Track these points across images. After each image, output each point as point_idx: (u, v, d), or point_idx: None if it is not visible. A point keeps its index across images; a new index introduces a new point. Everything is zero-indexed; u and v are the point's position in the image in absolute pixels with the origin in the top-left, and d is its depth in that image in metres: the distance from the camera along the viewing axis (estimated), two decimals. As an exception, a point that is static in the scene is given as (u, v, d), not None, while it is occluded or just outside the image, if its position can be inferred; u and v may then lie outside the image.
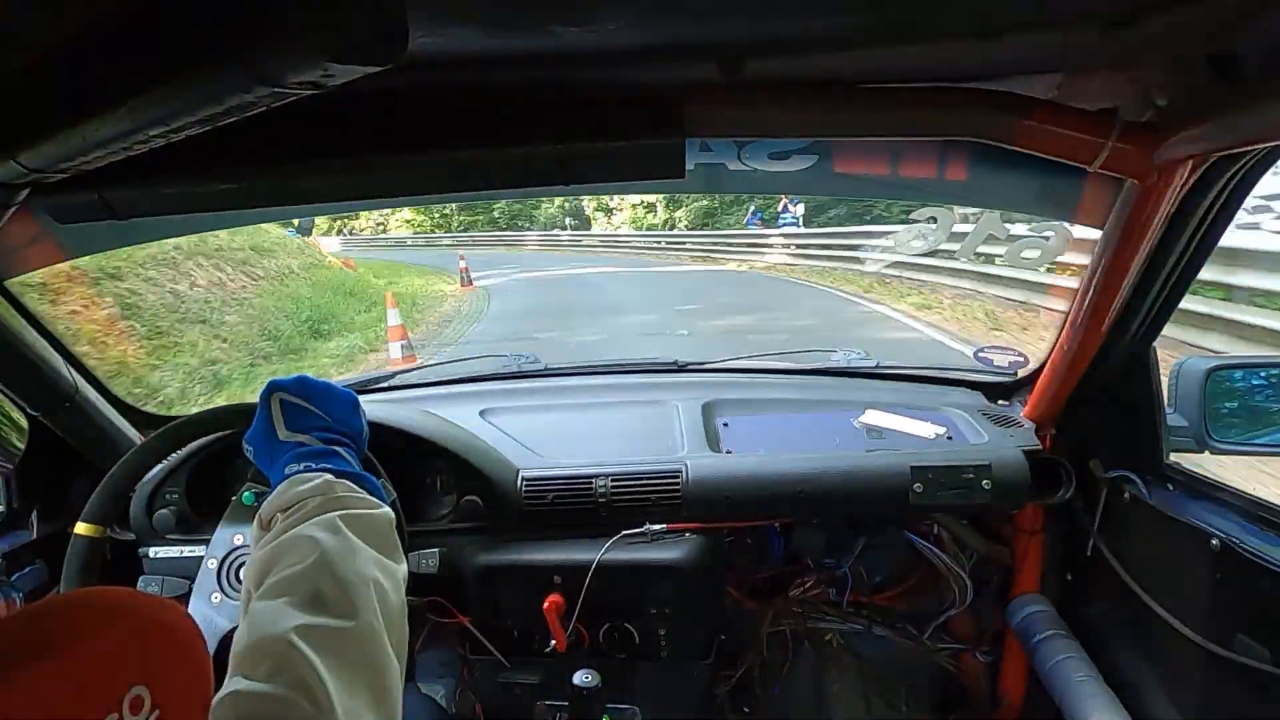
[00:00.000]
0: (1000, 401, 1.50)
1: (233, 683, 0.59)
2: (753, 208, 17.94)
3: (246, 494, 0.98)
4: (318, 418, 0.85)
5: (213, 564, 0.97)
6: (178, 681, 0.51)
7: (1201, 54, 0.72)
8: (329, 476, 0.77)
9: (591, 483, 1.28)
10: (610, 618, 1.26)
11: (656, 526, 1.25)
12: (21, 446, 1.30)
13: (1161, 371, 1.20)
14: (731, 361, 1.74)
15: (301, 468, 0.79)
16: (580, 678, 1.09)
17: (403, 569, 0.73)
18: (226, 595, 0.95)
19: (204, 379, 6.05)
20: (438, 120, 0.86)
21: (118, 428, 1.36)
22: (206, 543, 1.08)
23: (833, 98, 0.88)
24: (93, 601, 0.54)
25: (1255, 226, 6.14)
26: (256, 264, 9.29)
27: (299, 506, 0.73)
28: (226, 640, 0.95)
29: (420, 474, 1.32)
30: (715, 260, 15.06)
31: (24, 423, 1.28)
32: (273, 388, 0.87)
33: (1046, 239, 1.17)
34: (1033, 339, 6.06)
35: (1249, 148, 0.84)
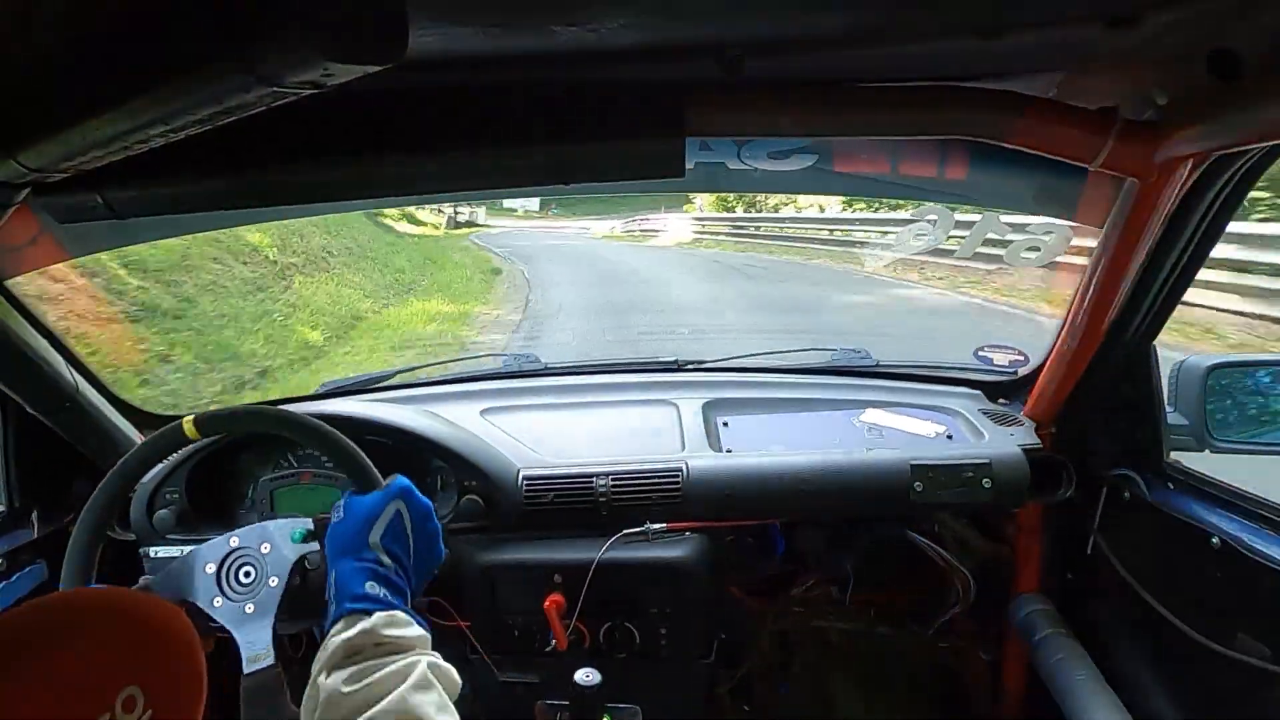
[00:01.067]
0: (1000, 400, 1.50)
1: None
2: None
3: (296, 532, 0.96)
4: (406, 554, 0.82)
5: (210, 569, 0.96)
6: (171, 683, 0.51)
7: (1202, 53, 0.72)
8: (425, 632, 0.76)
9: (592, 482, 1.28)
10: (611, 617, 1.26)
11: (657, 526, 1.25)
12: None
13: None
14: (732, 361, 1.74)
15: (381, 594, 0.76)
16: (581, 676, 1.09)
17: None
18: (227, 598, 0.94)
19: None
20: (439, 119, 0.86)
21: (118, 427, 1.36)
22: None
23: (833, 97, 0.88)
24: (87, 601, 0.54)
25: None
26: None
27: (396, 648, 0.72)
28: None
29: (421, 474, 1.32)
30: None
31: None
32: (402, 494, 0.84)
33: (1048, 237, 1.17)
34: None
35: (1249, 146, 0.84)
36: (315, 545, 0.95)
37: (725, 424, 1.46)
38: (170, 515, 1.27)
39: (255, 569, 0.95)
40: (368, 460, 0.93)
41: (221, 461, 1.35)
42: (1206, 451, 1.20)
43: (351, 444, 0.94)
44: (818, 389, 1.58)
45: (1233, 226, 1.04)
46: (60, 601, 0.57)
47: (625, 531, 1.24)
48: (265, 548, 0.96)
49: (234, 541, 0.96)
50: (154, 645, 0.52)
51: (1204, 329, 5.59)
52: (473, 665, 1.36)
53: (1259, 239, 5.45)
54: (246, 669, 0.90)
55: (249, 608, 0.93)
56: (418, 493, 0.86)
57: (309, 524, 0.96)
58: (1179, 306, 1.11)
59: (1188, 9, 0.68)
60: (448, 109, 0.86)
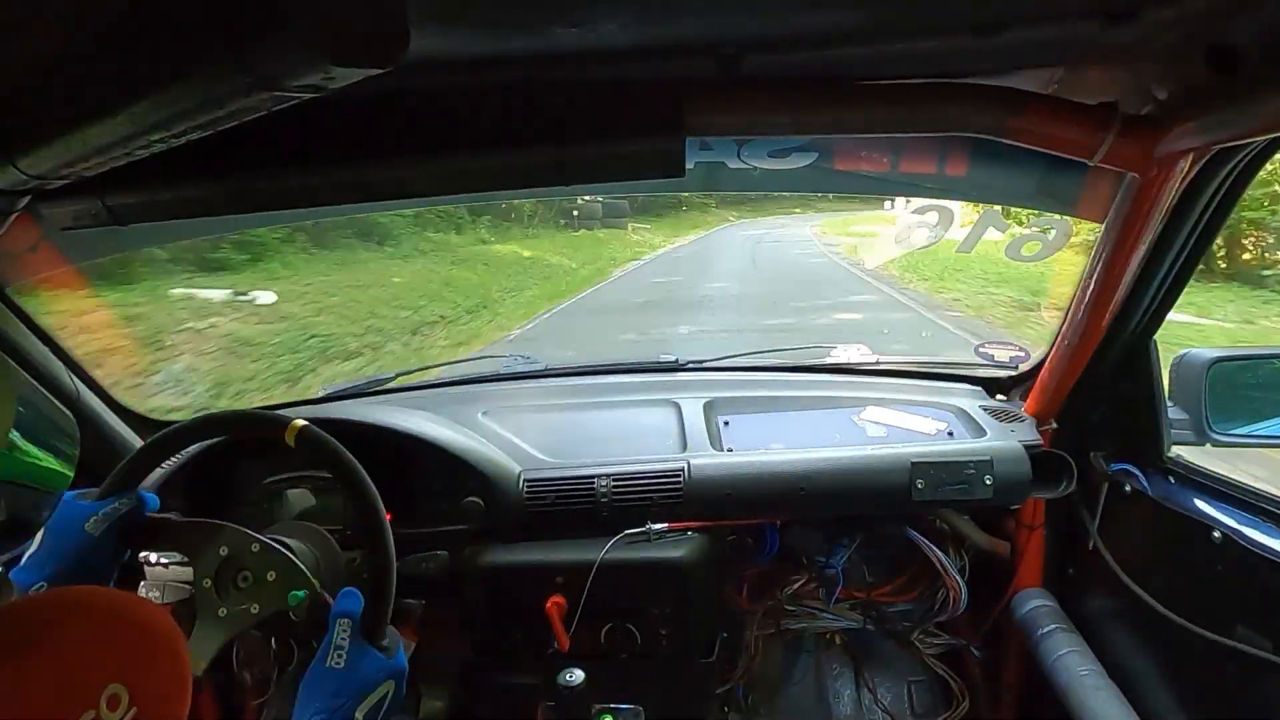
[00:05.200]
0: (1000, 396, 1.50)
1: None
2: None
3: (297, 592, 0.93)
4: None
5: (208, 584, 0.96)
6: (155, 681, 0.51)
7: (1201, 47, 0.72)
8: None
9: (593, 483, 1.28)
10: (612, 618, 1.26)
11: (658, 526, 1.25)
12: None
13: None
14: (732, 360, 1.74)
15: None
16: (565, 677, 1.09)
17: None
18: (228, 605, 0.94)
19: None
20: (439, 121, 0.86)
21: (118, 433, 1.36)
22: None
23: (832, 95, 0.88)
24: (74, 599, 0.54)
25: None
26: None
27: None
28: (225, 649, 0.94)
29: (421, 476, 1.32)
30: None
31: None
32: (400, 676, 0.86)
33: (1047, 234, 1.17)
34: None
35: (1249, 140, 0.84)
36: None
37: (726, 423, 1.46)
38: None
39: (251, 572, 0.95)
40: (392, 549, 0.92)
41: (221, 465, 1.35)
42: (1207, 445, 1.20)
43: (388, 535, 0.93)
44: (818, 387, 1.58)
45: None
46: (45, 599, 0.57)
47: (627, 532, 1.24)
48: (255, 547, 0.96)
49: (223, 550, 0.96)
50: (139, 644, 0.52)
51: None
52: (474, 667, 1.36)
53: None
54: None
55: (254, 608, 0.93)
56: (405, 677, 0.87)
57: (302, 592, 0.93)
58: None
59: (1186, 4, 0.68)
60: (448, 111, 0.86)
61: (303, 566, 0.94)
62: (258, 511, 1.34)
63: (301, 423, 0.92)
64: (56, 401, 1.17)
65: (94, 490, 0.94)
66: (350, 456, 0.93)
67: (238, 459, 1.37)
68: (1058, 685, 1.24)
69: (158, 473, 1.26)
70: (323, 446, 0.92)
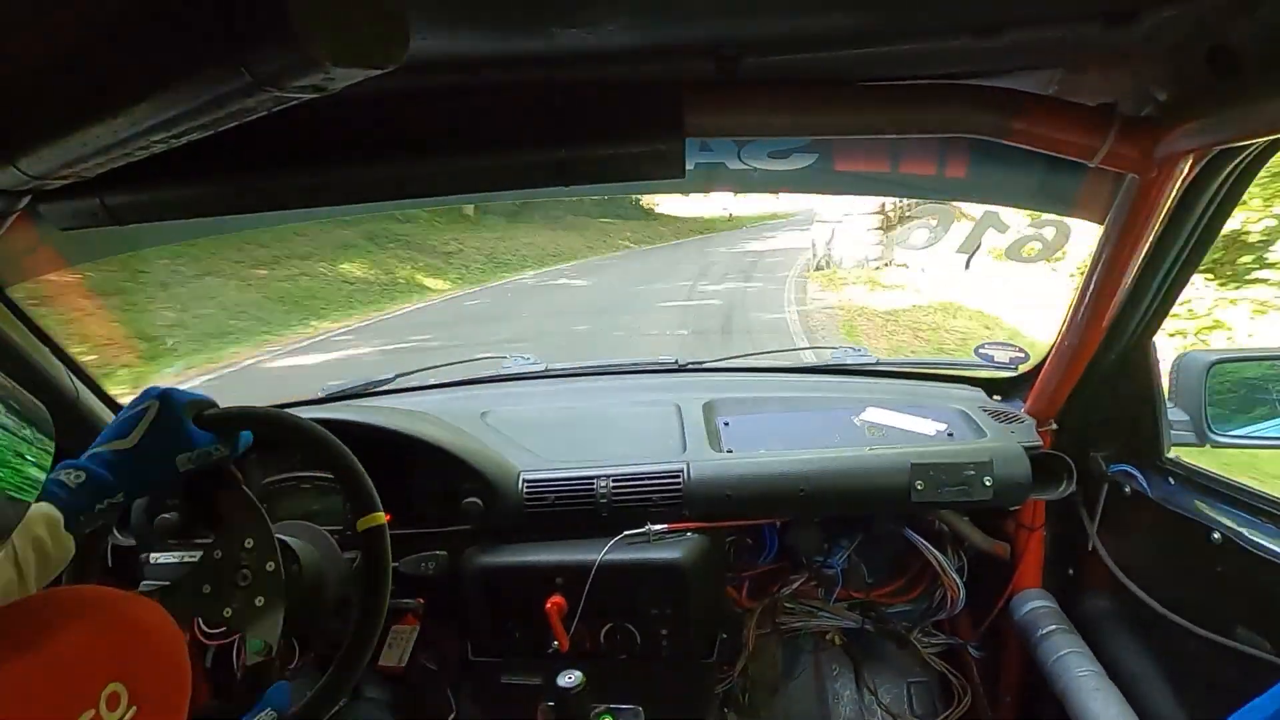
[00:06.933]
0: (998, 397, 1.50)
1: None
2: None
3: (256, 642, 0.90)
4: None
5: (218, 555, 0.95)
6: (155, 680, 0.51)
7: (1201, 48, 0.72)
8: None
9: (592, 483, 1.28)
10: (612, 618, 1.26)
11: (658, 527, 1.25)
12: None
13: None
14: (731, 360, 1.74)
15: None
16: (563, 679, 1.09)
17: None
18: (231, 606, 0.93)
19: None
20: (439, 122, 0.87)
21: None
22: None
23: (831, 95, 0.88)
24: (73, 598, 0.54)
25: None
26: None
27: None
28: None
29: (421, 477, 1.32)
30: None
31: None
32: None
33: (1045, 235, 1.17)
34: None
35: (1249, 141, 0.84)
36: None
37: (726, 424, 1.46)
38: (173, 519, 1.27)
39: (252, 576, 0.94)
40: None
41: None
42: (1207, 446, 1.21)
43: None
44: (818, 387, 1.58)
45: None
46: (45, 598, 0.57)
47: (626, 533, 1.24)
48: (270, 565, 0.95)
49: (249, 543, 0.95)
50: (139, 643, 0.52)
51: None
52: (474, 667, 1.36)
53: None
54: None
55: (226, 613, 0.92)
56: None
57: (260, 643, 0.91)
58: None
59: (1185, 5, 0.68)
60: (448, 111, 0.86)
61: (280, 625, 0.92)
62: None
63: (384, 521, 0.91)
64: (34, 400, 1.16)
65: (201, 400, 0.91)
66: (389, 569, 0.92)
67: (242, 455, 1.36)
68: (1057, 686, 1.24)
69: None
70: (377, 550, 0.92)
